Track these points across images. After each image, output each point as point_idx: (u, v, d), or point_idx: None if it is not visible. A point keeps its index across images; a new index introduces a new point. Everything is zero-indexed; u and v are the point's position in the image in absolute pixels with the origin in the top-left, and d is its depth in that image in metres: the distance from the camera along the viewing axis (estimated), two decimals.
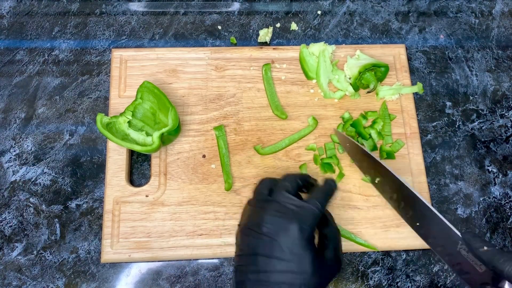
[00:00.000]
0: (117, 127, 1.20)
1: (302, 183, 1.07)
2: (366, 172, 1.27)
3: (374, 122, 1.32)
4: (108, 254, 1.18)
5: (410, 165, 1.31)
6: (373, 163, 1.20)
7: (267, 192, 1.05)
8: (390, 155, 1.30)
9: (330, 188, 1.07)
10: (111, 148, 1.27)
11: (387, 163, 1.25)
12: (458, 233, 0.98)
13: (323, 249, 1.03)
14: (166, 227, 1.21)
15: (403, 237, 1.23)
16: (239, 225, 1.04)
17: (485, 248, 0.90)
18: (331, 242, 1.04)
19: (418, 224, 1.10)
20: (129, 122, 1.21)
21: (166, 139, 1.21)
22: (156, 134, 1.16)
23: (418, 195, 1.08)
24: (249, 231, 0.99)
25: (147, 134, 1.21)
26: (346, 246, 1.23)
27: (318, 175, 1.28)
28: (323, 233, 1.06)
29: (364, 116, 1.33)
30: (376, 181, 1.22)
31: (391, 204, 1.22)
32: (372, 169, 1.22)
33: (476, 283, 0.96)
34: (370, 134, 1.31)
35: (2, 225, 1.24)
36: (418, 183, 1.29)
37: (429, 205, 1.05)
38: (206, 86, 1.34)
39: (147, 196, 1.24)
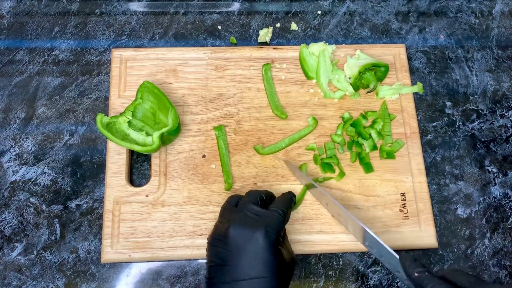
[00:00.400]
0: (117, 127, 1.20)
1: (265, 197, 1.10)
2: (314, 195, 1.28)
3: (374, 122, 1.32)
4: (108, 254, 1.18)
5: (410, 165, 1.30)
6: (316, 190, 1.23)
7: (234, 205, 1.08)
8: (390, 155, 1.29)
9: (289, 197, 1.13)
10: (111, 148, 1.27)
11: (387, 162, 1.27)
12: (397, 256, 1.02)
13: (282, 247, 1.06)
14: (166, 227, 1.21)
15: (403, 237, 1.23)
16: (207, 239, 1.06)
17: (416, 274, 0.94)
18: (284, 245, 1.07)
19: (367, 244, 1.13)
20: (129, 122, 1.21)
21: (166, 139, 1.21)
22: (156, 134, 1.16)
23: (357, 221, 1.11)
24: (217, 241, 1.02)
25: (147, 134, 1.21)
26: (347, 245, 1.23)
27: (318, 174, 1.28)
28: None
29: (364, 116, 1.33)
30: (326, 205, 1.24)
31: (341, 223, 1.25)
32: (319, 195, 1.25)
33: None
34: (370, 134, 1.31)
35: (2, 225, 1.24)
36: (418, 183, 1.29)
37: (367, 229, 1.08)
38: (206, 86, 1.34)
39: (147, 196, 1.23)
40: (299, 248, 1.22)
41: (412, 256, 0.99)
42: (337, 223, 1.24)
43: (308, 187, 1.26)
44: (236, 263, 0.97)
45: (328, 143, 1.30)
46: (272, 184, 1.27)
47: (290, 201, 1.12)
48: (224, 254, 0.98)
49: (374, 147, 1.30)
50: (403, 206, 1.26)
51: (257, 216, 1.02)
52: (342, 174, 1.28)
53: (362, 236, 1.12)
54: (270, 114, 1.33)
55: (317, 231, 1.23)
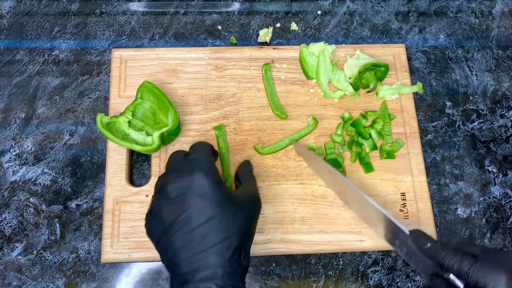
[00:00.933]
0: (117, 127, 1.20)
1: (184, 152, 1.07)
2: (324, 179, 1.28)
3: (374, 121, 1.32)
4: (108, 254, 1.18)
5: (410, 164, 1.30)
6: (329, 171, 1.22)
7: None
8: (390, 155, 1.30)
9: (201, 144, 1.09)
10: (111, 148, 1.27)
11: (387, 162, 1.27)
12: (407, 231, 1.02)
13: (242, 188, 1.09)
14: None
15: None
16: (145, 219, 1.01)
17: (429, 244, 0.96)
18: (247, 182, 1.12)
19: (374, 220, 1.14)
20: (129, 122, 1.21)
21: (166, 139, 1.21)
22: (156, 134, 1.16)
23: (368, 198, 1.11)
24: (159, 207, 0.96)
25: (147, 134, 1.21)
26: (348, 245, 1.23)
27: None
28: (237, 179, 1.15)
29: (364, 116, 1.33)
30: (334, 186, 1.25)
31: (351, 208, 1.25)
32: (331, 178, 1.24)
33: (428, 273, 0.99)
34: (370, 134, 1.31)
35: (2, 225, 1.24)
36: (418, 183, 1.29)
37: (379, 207, 1.09)
38: (206, 86, 1.35)
39: (147, 196, 1.23)
40: (299, 248, 1.22)
41: (421, 231, 1.00)
42: (336, 223, 1.24)
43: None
44: (185, 213, 0.92)
45: (328, 143, 1.30)
46: (272, 184, 1.27)
47: (205, 143, 1.09)
48: (170, 212, 0.93)
49: (374, 147, 1.30)
50: (403, 206, 1.26)
51: (187, 161, 1.00)
52: (343, 173, 1.29)
53: (385, 228, 1.12)
54: (270, 114, 1.33)
55: (317, 231, 1.23)
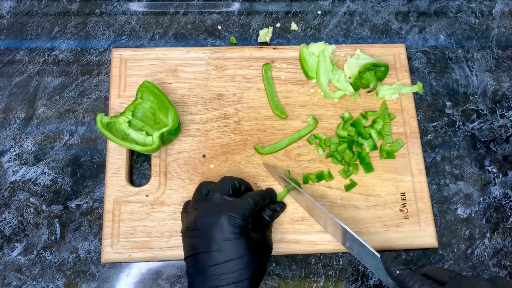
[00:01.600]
0: (117, 127, 1.20)
1: (238, 185, 1.12)
2: (295, 199, 1.28)
3: (374, 121, 1.32)
4: (108, 254, 1.18)
5: (410, 164, 1.30)
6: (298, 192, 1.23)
7: (205, 193, 1.11)
8: (390, 155, 1.30)
9: (268, 191, 1.17)
10: (111, 148, 1.27)
11: (387, 162, 1.27)
12: (378, 255, 1.02)
13: (263, 231, 1.13)
14: (166, 227, 1.21)
15: (403, 237, 1.23)
16: (181, 231, 1.09)
17: (397, 272, 0.95)
18: (268, 223, 1.16)
19: (348, 245, 1.13)
20: (129, 122, 1.21)
21: (166, 139, 1.21)
22: (156, 134, 1.16)
23: (338, 221, 1.11)
24: (188, 232, 1.04)
25: (147, 134, 1.21)
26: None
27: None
28: (264, 214, 1.17)
29: (364, 116, 1.33)
30: (307, 207, 1.24)
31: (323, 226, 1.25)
32: (300, 197, 1.24)
33: None
34: (370, 134, 1.31)
35: (2, 225, 1.24)
36: (418, 183, 1.29)
37: (350, 230, 1.09)
38: (206, 86, 1.34)
39: (147, 196, 1.24)
40: (299, 248, 1.22)
41: (393, 255, 1.00)
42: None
43: (289, 189, 1.26)
44: (206, 250, 0.99)
45: (332, 138, 1.30)
46: (272, 184, 1.27)
47: (265, 193, 1.14)
48: (195, 242, 1.01)
49: (374, 147, 1.30)
50: (403, 205, 1.26)
51: (225, 202, 1.05)
52: (346, 174, 1.29)
53: (342, 236, 1.13)
54: (270, 114, 1.33)
55: (317, 230, 1.23)
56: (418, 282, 0.91)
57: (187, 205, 1.16)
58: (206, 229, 1.00)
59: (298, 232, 1.23)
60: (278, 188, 1.26)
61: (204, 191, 1.11)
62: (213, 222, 1.00)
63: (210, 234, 0.99)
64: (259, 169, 1.28)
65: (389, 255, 1.01)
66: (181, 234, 1.08)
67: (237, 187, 1.11)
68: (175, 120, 1.19)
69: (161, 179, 1.25)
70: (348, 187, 1.28)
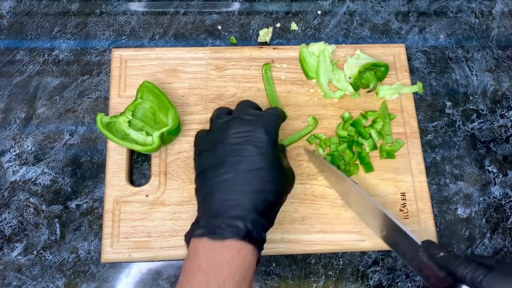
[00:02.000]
0: (117, 127, 1.20)
1: (256, 108, 1.12)
2: (336, 189, 1.28)
3: (374, 121, 1.32)
4: (108, 254, 1.18)
5: (410, 164, 1.30)
6: (342, 180, 1.22)
7: (227, 114, 1.09)
8: (390, 155, 1.29)
9: (280, 109, 1.14)
10: (111, 148, 1.27)
11: (387, 162, 1.27)
12: (418, 242, 1.01)
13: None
14: (166, 226, 1.21)
15: None
16: (195, 147, 1.09)
17: (441, 254, 0.95)
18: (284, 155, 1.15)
19: (384, 233, 1.13)
20: (129, 122, 1.21)
21: (166, 139, 1.21)
22: (156, 134, 1.16)
23: (380, 207, 1.11)
24: (215, 144, 1.03)
25: (147, 134, 1.21)
26: (348, 245, 1.23)
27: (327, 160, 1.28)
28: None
29: (364, 116, 1.33)
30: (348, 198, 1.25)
31: (360, 218, 1.25)
32: (341, 186, 1.24)
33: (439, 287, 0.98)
34: (370, 134, 1.31)
35: (2, 225, 1.24)
36: (418, 183, 1.29)
37: (391, 216, 1.08)
38: (206, 86, 1.34)
39: (147, 195, 1.23)
40: (299, 248, 1.22)
41: (433, 242, 1.00)
42: (336, 223, 1.24)
43: (322, 172, 1.28)
44: (233, 160, 0.98)
45: (332, 138, 1.30)
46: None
47: (280, 109, 1.14)
48: (223, 153, 1.00)
49: (374, 147, 1.30)
50: (403, 205, 1.26)
51: (256, 116, 1.04)
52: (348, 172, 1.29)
53: (379, 223, 1.13)
54: None
55: (317, 230, 1.23)
56: (463, 264, 0.90)
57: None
58: (241, 142, 0.99)
59: (299, 232, 1.23)
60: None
61: (224, 112, 1.10)
62: (249, 135, 1.00)
63: (244, 145, 0.99)
64: None
65: (429, 241, 1.01)
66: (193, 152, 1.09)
67: (257, 107, 1.12)
68: (175, 120, 1.19)
69: (161, 179, 1.25)
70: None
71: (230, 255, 0.89)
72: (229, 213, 0.93)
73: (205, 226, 0.93)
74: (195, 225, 0.98)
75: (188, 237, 0.98)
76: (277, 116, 1.07)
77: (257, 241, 0.94)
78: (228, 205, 0.94)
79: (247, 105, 1.10)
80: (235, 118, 1.05)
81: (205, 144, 1.05)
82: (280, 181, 1.01)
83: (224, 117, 1.07)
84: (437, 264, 0.96)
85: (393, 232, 1.08)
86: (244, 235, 0.91)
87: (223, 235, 0.90)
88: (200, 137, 1.09)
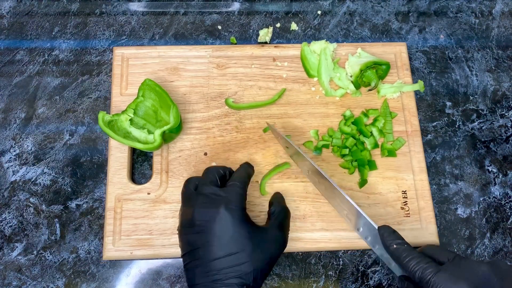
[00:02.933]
0: (118, 125, 1.20)
1: (223, 173, 1.10)
2: (299, 165, 1.29)
3: (375, 120, 1.33)
4: (110, 251, 1.18)
5: (411, 162, 1.31)
6: (298, 156, 1.23)
7: (193, 189, 1.07)
8: (391, 153, 1.30)
9: (245, 169, 1.14)
10: (113, 146, 1.27)
11: (388, 160, 1.28)
12: (375, 226, 1.04)
13: (268, 227, 1.07)
14: (168, 224, 1.21)
15: (404, 235, 1.20)
16: (177, 229, 1.08)
17: (395, 246, 0.97)
18: (275, 220, 1.09)
19: (349, 218, 1.16)
20: (130, 120, 1.21)
21: (167, 137, 1.21)
22: (157, 132, 1.17)
23: (339, 189, 1.13)
24: (185, 229, 1.03)
25: (149, 132, 1.21)
26: (348, 243, 1.23)
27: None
28: (269, 212, 1.13)
29: (366, 114, 1.33)
30: (308, 173, 1.25)
31: (324, 196, 1.26)
32: (305, 163, 1.24)
33: (397, 275, 1.01)
34: (371, 132, 1.31)
35: (2, 225, 1.23)
36: (419, 181, 1.29)
37: (350, 200, 1.11)
38: (207, 84, 1.35)
39: (148, 193, 1.23)
40: (300, 245, 1.22)
41: (391, 229, 1.00)
42: (337, 221, 1.24)
43: (291, 155, 1.28)
44: (206, 244, 0.98)
45: (335, 132, 1.31)
46: (274, 182, 1.27)
47: (246, 171, 1.13)
48: (194, 239, 0.99)
49: (376, 145, 1.31)
50: (404, 203, 1.26)
51: (217, 195, 1.02)
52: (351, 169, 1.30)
53: (346, 208, 1.15)
54: (272, 112, 1.33)
55: (318, 228, 1.23)
56: (414, 259, 0.91)
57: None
58: (204, 224, 0.99)
59: (300, 230, 1.23)
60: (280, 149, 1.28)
61: (192, 186, 1.08)
62: (211, 216, 0.99)
63: (208, 229, 0.98)
64: (261, 167, 1.28)
65: (387, 228, 1.01)
66: (177, 232, 1.07)
67: (223, 175, 1.10)
68: (177, 118, 1.19)
69: (162, 177, 1.25)
70: (362, 184, 1.29)
71: None
72: None
73: None
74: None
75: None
76: (240, 189, 1.06)
77: None
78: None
79: (208, 179, 1.08)
80: (196, 197, 1.04)
81: (180, 222, 1.06)
82: (257, 259, 0.99)
83: (189, 192, 1.07)
84: (390, 254, 0.99)
85: (355, 217, 1.12)
86: None
87: None
88: (181, 215, 1.08)
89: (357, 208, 1.09)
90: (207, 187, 1.05)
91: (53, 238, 1.23)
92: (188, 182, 1.09)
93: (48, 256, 1.21)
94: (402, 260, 0.93)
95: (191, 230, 1.00)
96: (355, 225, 1.15)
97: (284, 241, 1.07)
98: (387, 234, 1.00)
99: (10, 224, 1.23)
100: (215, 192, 1.03)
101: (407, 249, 0.94)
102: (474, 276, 0.86)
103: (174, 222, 1.22)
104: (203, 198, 1.02)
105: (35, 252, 1.21)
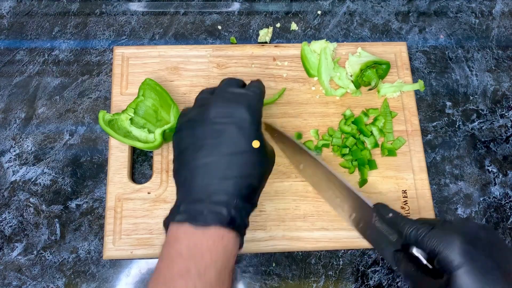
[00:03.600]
0: (119, 124, 1.20)
1: (241, 83, 1.08)
2: (291, 159, 1.29)
3: (375, 119, 1.33)
4: (110, 251, 1.18)
5: (411, 162, 1.30)
6: (295, 149, 1.24)
7: (210, 94, 1.05)
8: (391, 152, 1.30)
9: (259, 81, 1.09)
10: (113, 145, 1.27)
11: (388, 160, 1.28)
12: (371, 205, 1.05)
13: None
14: None
15: None
16: (176, 128, 1.06)
17: (390, 214, 0.99)
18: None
19: (339, 199, 1.16)
20: (131, 119, 1.21)
21: (168, 136, 1.21)
22: (158, 131, 1.17)
23: (334, 172, 1.14)
24: (195, 123, 0.99)
25: (149, 131, 1.21)
26: (348, 242, 1.23)
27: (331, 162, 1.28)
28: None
29: (366, 114, 1.33)
30: (301, 167, 1.25)
31: (315, 188, 1.27)
32: (297, 155, 1.25)
33: (390, 252, 1.00)
34: (371, 131, 1.31)
35: (2, 225, 1.23)
36: (419, 180, 1.29)
37: (345, 181, 1.12)
38: (207, 84, 1.35)
39: (149, 193, 1.23)
40: (300, 245, 1.22)
41: (385, 205, 1.01)
42: (337, 220, 1.24)
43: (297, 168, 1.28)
44: (214, 141, 0.95)
45: (335, 132, 1.31)
46: (273, 181, 1.27)
47: (261, 83, 1.09)
48: (203, 133, 0.96)
49: (376, 145, 1.31)
50: (404, 203, 1.26)
51: (238, 94, 1.00)
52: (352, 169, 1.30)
53: (339, 194, 1.16)
54: (272, 112, 1.33)
55: (318, 228, 1.23)
56: (410, 223, 0.93)
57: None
58: (222, 120, 0.96)
59: (300, 229, 1.23)
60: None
61: (207, 92, 1.07)
62: (231, 113, 0.96)
63: (226, 124, 0.95)
64: None
65: (381, 203, 1.03)
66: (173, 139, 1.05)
67: (241, 84, 1.07)
68: (177, 117, 1.19)
69: (163, 176, 1.25)
70: (362, 183, 1.29)
71: (212, 242, 0.88)
72: (211, 199, 0.90)
73: (186, 211, 0.91)
74: (175, 209, 0.95)
75: (167, 222, 0.95)
76: (260, 94, 1.04)
77: (240, 227, 0.93)
78: (210, 190, 0.92)
79: (230, 83, 1.05)
80: (216, 96, 1.01)
81: (184, 122, 1.03)
82: (264, 163, 0.99)
83: (206, 95, 1.05)
84: (387, 225, 1.00)
85: (346, 198, 1.13)
86: (228, 222, 0.89)
87: (205, 222, 0.88)
88: (181, 114, 1.07)
89: (350, 187, 1.09)
90: (227, 88, 1.03)
91: (53, 238, 1.23)
92: (205, 89, 1.09)
93: (48, 256, 1.21)
94: (398, 225, 0.95)
95: (203, 125, 0.97)
96: (348, 212, 1.15)
97: (274, 157, 1.09)
98: (382, 207, 1.01)
99: (10, 224, 1.23)
100: (235, 91, 1.02)
101: (403, 217, 0.97)
102: (465, 229, 0.89)
103: None
104: (221, 97, 1.00)
105: (35, 252, 1.21)
